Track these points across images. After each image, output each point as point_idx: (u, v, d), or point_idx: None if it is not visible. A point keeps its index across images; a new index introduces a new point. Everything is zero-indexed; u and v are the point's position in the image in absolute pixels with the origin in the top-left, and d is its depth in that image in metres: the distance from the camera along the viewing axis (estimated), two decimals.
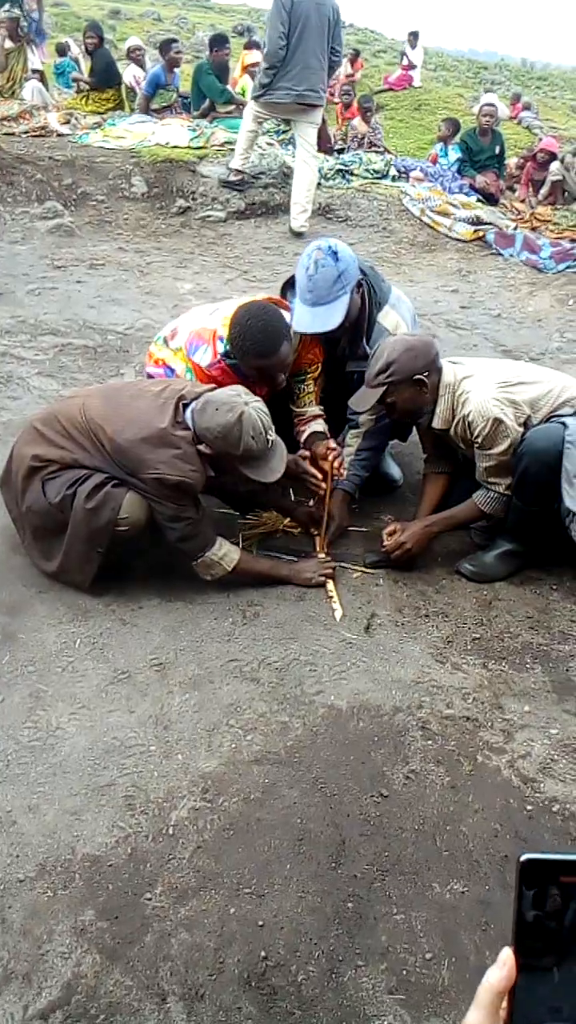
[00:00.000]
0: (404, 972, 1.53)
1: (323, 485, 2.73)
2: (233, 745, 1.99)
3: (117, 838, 1.74)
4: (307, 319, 2.67)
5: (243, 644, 2.33)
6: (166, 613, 2.42)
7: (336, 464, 2.75)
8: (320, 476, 2.72)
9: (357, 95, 10.65)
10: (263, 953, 1.54)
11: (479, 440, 2.53)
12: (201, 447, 2.30)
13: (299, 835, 1.77)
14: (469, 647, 2.40)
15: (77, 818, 1.77)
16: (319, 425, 2.86)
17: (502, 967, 0.58)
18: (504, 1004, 0.58)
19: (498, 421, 2.48)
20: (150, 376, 2.85)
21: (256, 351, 2.50)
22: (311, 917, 1.61)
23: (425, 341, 2.64)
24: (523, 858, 0.57)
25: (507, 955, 0.58)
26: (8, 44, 8.80)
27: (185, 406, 2.33)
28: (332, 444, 2.78)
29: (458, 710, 2.15)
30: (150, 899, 1.62)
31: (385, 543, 2.66)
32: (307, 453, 2.74)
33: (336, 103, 11.02)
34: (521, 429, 2.52)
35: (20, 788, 1.83)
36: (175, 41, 9.09)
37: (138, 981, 1.49)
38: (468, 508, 2.67)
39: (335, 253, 2.64)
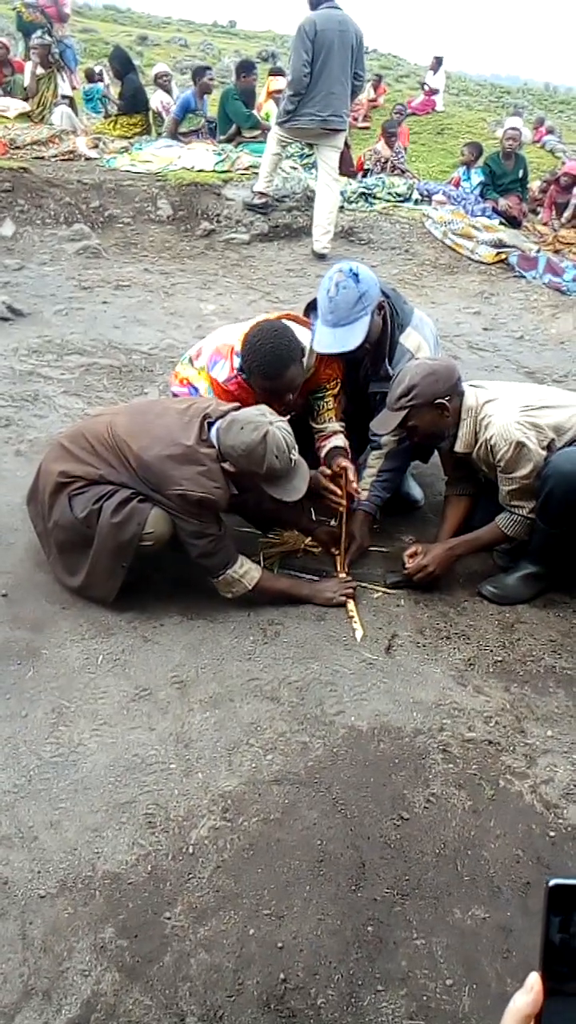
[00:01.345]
0: (424, 998, 1.52)
1: (342, 503, 2.73)
2: (253, 764, 1.99)
3: (137, 856, 1.74)
4: (327, 340, 2.69)
5: (263, 663, 2.33)
6: (187, 631, 2.43)
7: (351, 479, 2.74)
8: (339, 493, 2.72)
9: (405, 117, 10.71)
10: (282, 975, 1.54)
11: (501, 464, 2.53)
12: (225, 465, 2.32)
13: (319, 857, 1.77)
14: (491, 670, 2.39)
15: (98, 835, 1.78)
16: (339, 440, 2.87)
17: (529, 992, 0.58)
18: None
19: (520, 445, 2.48)
20: (175, 395, 2.89)
21: (263, 373, 2.53)
22: (331, 940, 1.61)
23: (447, 365, 2.66)
24: (551, 884, 0.57)
25: (534, 980, 0.58)
26: (39, 71, 9.01)
27: (210, 424, 2.36)
28: (344, 462, 2.77)
29: (480, 733, 2.14)
30: (170, 918, 1.62)
31: (407, 565, 2.66)
32: (328, 471, 2.75)
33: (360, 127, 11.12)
34: (544, 453, 2.52)
35: (42, 804, 1.84)
36: (208, 69, 9.26)
37: (157, 1000, 1.49)
38: (491, 531, 2.66)
39: (356, 275, 2.68)
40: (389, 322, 2.81)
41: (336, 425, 2.90)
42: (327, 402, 2.90)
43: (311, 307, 3.02)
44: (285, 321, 2.70)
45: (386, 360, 2.84)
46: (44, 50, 8.97)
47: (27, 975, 1.51)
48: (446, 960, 1.59)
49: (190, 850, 1.76)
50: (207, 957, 1.56)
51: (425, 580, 2.65)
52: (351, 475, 2.73)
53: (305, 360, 2.67)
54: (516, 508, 2.60)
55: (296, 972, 1.54)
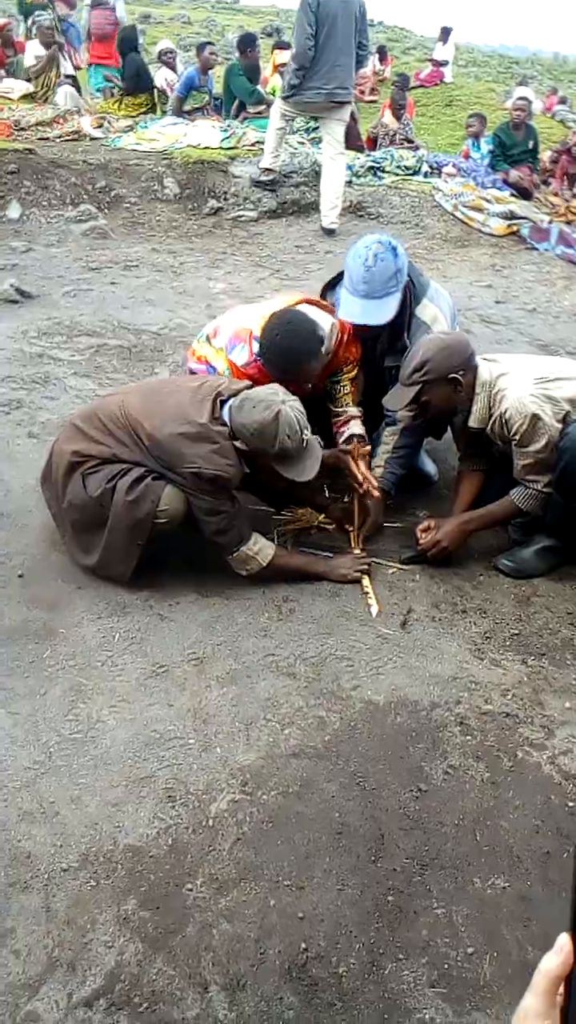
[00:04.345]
0: (446, 966, 1.53)
1: (364, 487, 2.72)
2: (271, 739, 2.00)
3: (158, 829, 1.75)
4: (356, 310, 2.66)
5: (279, 639, 2.33)
6: (203, 608, 2.43)
7: (367, 473, 2.74)
8: (360, 478, 2.71)
9: (409, 88, 10.57)
10: (304, 945, 1.55)
11: (517, 437, 2.51)
12: (237, 443, 2.31)
13: (338, 828, 1.78)
14: (508, 643, 2.38)
15: (119, 809, 1.79)
16: (357, 427, 2.85)
17: (560, 953, 0.58)
18: (561, 990, 0.58)
19: (536, 418, 2.46)
20: (192, 371, 2.88)
21: (280, 366, 2.50)
22: (351, 910, 1.62)
23: (460, 340, 2.63)
24: None
25: (565, 941, 0.58)
26: (41, 51, 8.89)
27: (223, 402, 2.35)
28: (366, 449, 2.77)
29: (497, 706, 2.14)
30: (191, 890, 1.64)
31: (420, 541, 2.65)
32: (349, 448, 2.73)
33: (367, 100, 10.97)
34: (559, 426, 2.50)
35: (63, 779, 1.85)
36: (210, 44, 9.14)
37: (180, 970, 1.50)
38: (505, 506, 2.64)
39: (394, 249, 2.66)
40: (407, 295, 2.78)
41: (354, 410, 2.88)
42: (344, 386, 2.87)
43: (329, 286, 2.99)
44: (305, 307, 2.66)
45: (404, 334, 2.80)
46: (50, 32, 8.86)
47: (51, 947, 1.53)
48: (467, 929, 1.60)
49: (210, 823, 1.77)
50: (229, 927, 1.57)
51: (438, 556, 2.64)
52: (364, 466, 2.72)
53: (324, 346, 2.64)
54: (531, 482, 2.57)
55: (318, 942, 1.56)
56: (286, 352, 2.48)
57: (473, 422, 2.63)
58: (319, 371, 2.64)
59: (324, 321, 2.65)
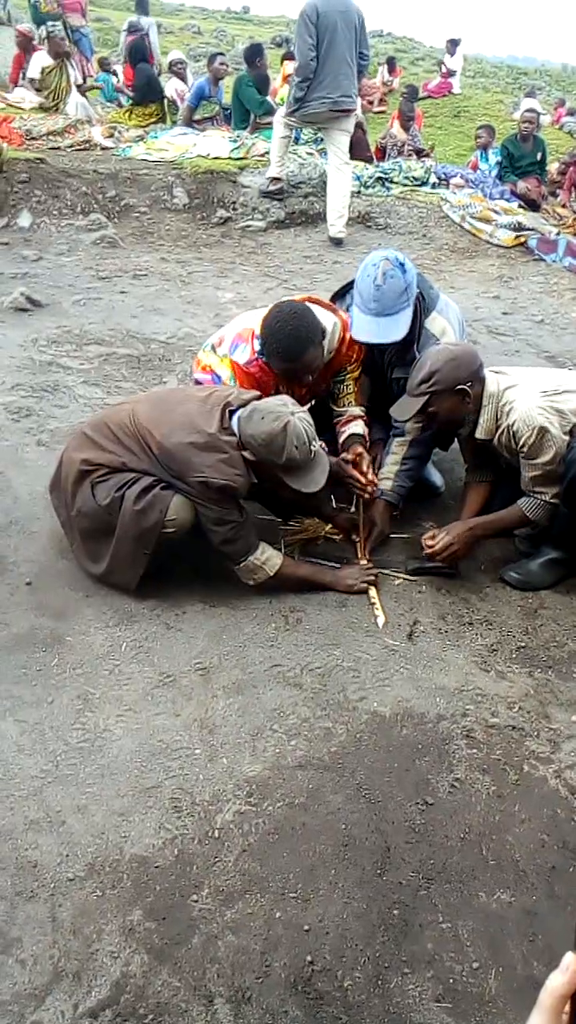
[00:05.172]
0: (451, 980, 1.53)
1: (366, 489, 2.73)
2: (277, 750, 2.00)
3: (164, 840, 1.76)
4: (371, 328, 2.68)
5: (285, 650, 2.34)
6: (209, 618, 2.44)
7: (366, 470, 2.75)
8: (362, 481, 2.72)
9: (417, 99, 10.62)
10: (309, 958, 1.55)
11: (524, 450, 2.51)
12: (245, 453, 2.32)
13: (344, 841, 1.78)
14: (514, 656, 2.38)
15: (125, 819, 1.79)
16: (359, 427, 2.86)
17: (565, 972, 0.58)
18: (567, 1009, 0.58)
19: (543, 430, 2.46)
20: (198, 382, 2.90)
21: (281, 355, 2.52)
22: (357, 923, 1.61)
23: (469, 351, 2.63)
24: None
25: (571, 960, 0.58)
26: (48, 61, 8.95)
27: (231, 412, 2.36)
28: (359, 449, 2.78)
29: (503, 719, 2.14)
30: (197, 901, 1.64)
31: (427, 545, 2.63)
32: (350, 457, 2.75)
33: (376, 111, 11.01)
34: (566, 438, 2.50)
35: (69, 788, 1.86)
36: (221, 54, 9.21)
37: (186, 982, 1.50)
38: (512, 514, 2.64)
39: (402, 265, 2.67)
40: (417, 308, 2.79)
41: (356, 409, 2.89)
42: (347, 385, 2.89)
43: (339, 295, 3.00)
44: (306, 303, 2.68)
45: (414, 346, 2.81)
46: (62, 42, 8.93)
47: (57, 957, 1.53)
48: (472, 943, 1.60)
49: (216, 834, 1.77)
50: (234, 939, 1.57)
51: (449, 559, 2.59)
52: (365, 466, 2.73)
53: (326, 343, 2.65)
54: (539, 493, 2.58)
55: (323, 954, 1.56)
56: (287, 339, 2.49)
57: (480, 433, 2.63)
58: (320, 363, 2.65)
59: (326, 318, 2.67)
